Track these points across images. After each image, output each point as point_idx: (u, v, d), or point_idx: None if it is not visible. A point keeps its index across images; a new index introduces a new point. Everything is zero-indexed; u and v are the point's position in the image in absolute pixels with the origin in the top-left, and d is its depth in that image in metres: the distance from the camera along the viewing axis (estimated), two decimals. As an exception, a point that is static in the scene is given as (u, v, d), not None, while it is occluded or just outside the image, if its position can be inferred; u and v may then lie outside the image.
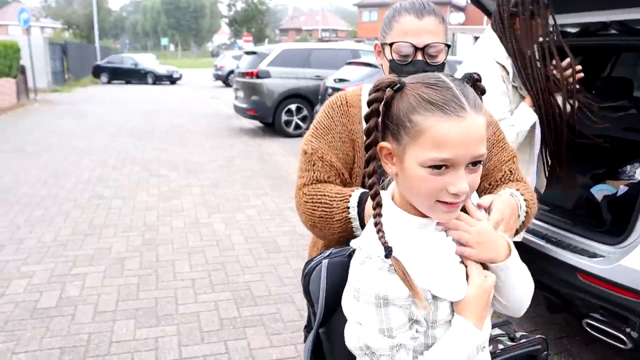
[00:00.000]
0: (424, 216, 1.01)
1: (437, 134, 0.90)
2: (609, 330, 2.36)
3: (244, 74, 10.86)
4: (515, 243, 2.47)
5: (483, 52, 2.36)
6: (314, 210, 1.43)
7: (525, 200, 1.44)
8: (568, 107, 2.37)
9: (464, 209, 1.08)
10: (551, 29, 2.34)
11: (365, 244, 1.03)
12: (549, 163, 2.55)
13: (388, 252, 0.95)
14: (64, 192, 6.21)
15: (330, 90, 8.54)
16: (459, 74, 0.97)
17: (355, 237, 1.20)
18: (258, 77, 10.45)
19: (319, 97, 9.44)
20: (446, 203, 0.95)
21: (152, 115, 13.79)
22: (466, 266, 1.06)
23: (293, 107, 10.62)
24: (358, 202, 1.37)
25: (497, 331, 1.43)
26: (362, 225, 1.36)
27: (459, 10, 41.50)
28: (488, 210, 1.23)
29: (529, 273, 1.16)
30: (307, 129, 1.60)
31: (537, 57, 2.28)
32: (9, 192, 6.13)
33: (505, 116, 2.26)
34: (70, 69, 25.83)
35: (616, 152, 3.65)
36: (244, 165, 7.93)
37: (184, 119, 13.19)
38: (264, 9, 52.42)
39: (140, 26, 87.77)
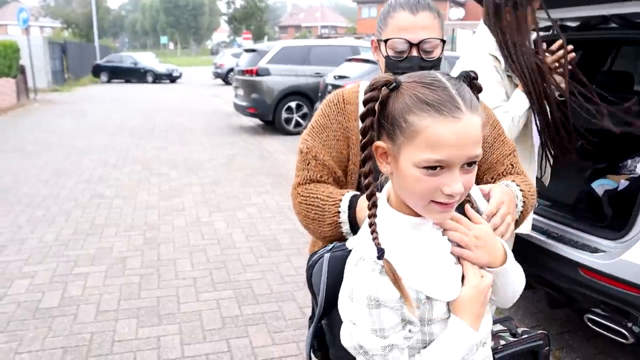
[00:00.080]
0: (419, 216, 1.01)
1: (433, 135, 0.89)
2: (611, 325, 2.36)
3: (243, 72, 10.86)
4: (517, 238, 2.49)
5: (476, 45, 2.39)
6: (307, 212, 1.46)
7: (521, 190, 1.46)
8: (561, 91, 2.37)
9: (463, 212, 1.09)
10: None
11: (359, 245, 1.04)
12: (552, 153, 2.54)
13: (380, 254, 0.95)
14: (65, 191, 6.22)
15: (330, 87, 8.52)
16: (456, 70, 0.98)
17: (346, 239, 1.21)
18: (258, 74, 10.44)
19: (319, 94, 9.43)
20: (440, 203, 0.95)
21: (152, 114, 13.79)
22: (462, 266, 1.06)
23: (293, 104, 10.61)
24: (349, 206, 1.38)
25: (499, 327, 1.43)
26: (353, 229, 1.37)
27: (458, 6, 41.39)
28: (487, 197, 1.24)
29: (522, 273, 1.17)
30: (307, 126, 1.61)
31: (526, 45, 2.29)
32: (9, 192, 6.13)
33: (500, 104, 2.28)
34: (69, 69, 25.82)
35: (617, 147, 3.64)
36: (245, 163, 7.92)
37: (184, 118, 13.19)
38: (263, 6, 52.36)
39: (140, 25, 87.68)
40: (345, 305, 1.02)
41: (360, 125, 0.99)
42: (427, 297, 0.99)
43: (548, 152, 2.49)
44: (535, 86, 2.23)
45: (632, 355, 2.86)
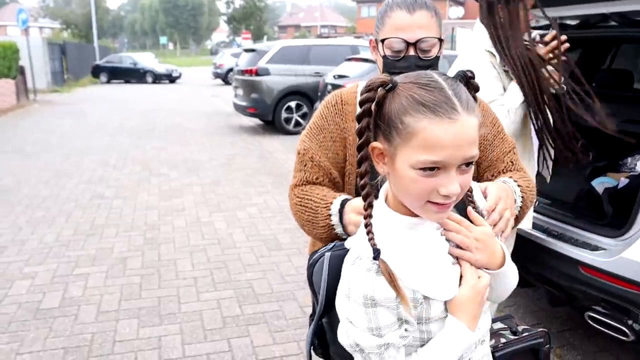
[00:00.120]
0: (416, 216, 1.01)
1: (429, 136, 0.89)
2: (611, 322, 2.36)
3: (243, 72, 10.85)
4: (517, 236, 2.49)
5: (473, 42, 2.43)
6: (302, 213, 1.47)
7: (519, 186, 1.46)
8: (554, 82, 2.39)
9: (464, 213, 1.09)
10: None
11: (356, 244, 1.05)
12: (549, 152, 2.54)
13: (376, 254, 0.96)
14: (65, 192, 6.22)
15: (329, 87, 8.52)
16: (455, 68, 0.98)
17: (343, 239, 1.22)
18: (257, 74, 10.44)
19: (319, 93, 9.42)
20: (437, 204, 0.95)
21: (152, 114, 13.79)
22: (461, 266, 1.06)
23: (293, 104, 10.60)
24: (340, 209, 1.39)
25: (499, 325, 1.43)
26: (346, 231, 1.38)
27: (458, 5, 41.39)
28: (484, 194, 1.25)
29: (516, 271, 1.18)
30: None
31: (518, 39, 2.31)
32: (10, 193, 6.13)
33: (497, 98, 2.31)
34: (69, 69, 25.82)
35: (617, 145, 3.64)
36: (245, 163, 7.93)
37: (183, 118, 13.19)
38: (262, 6, 52.32)
39: (139, 25, 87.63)
40: (342, 303, 1.03)
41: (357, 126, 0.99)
42: (425, 297, 1.00)
43: (546, 151, 2.49)
44: (528, 79, 2.26)
45: (632, 352, 2.86)
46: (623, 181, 3.06)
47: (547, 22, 3.62)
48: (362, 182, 1.00)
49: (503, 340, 1.36)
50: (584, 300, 2.56)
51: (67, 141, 9.72)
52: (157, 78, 27.41)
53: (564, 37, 2.32)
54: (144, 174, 7.21)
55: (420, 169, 0.91)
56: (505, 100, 2.29)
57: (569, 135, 2.41)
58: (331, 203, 1.40)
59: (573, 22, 3.47)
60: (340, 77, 8.60)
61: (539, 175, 2.59)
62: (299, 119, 10.63)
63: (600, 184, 3.14)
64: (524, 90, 2.27)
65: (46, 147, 9.10)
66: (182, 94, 20.90)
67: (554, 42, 2.31)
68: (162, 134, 10.67)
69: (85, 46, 33.64)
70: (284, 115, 10.62)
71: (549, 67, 2.33)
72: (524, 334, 1.39)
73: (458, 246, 1.06)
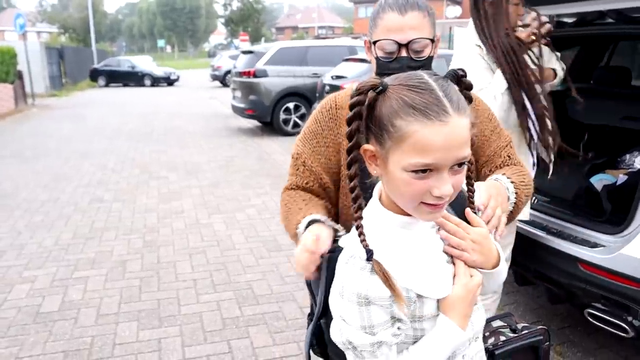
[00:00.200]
0: (410, 215, 1.01)
1: (420, 139, 0.89)
2: (611, 319, 2.36)
3: (241, 74, 10.85)
4: (517, 234, 2.50)
5: (465, 38, 2.52)
6: (282, 218, 1.52)
7: (512, 182, 1.47)
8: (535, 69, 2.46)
9: (463, 217, 1.10)
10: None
11: (350, 243, 1.05)
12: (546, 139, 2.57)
13: (369, 255, 0.96)
14: (64, 196, 6.21)
15: (327, 88, 8.52)
16: (452, 67, 0.98)
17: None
18: (255, 76, 10.44)
19: (317, 94, 9.43)
20: (430, 204, 0.95)
21: (150, 118, 13.79)
22: (454, 265, 1.07)
23: (291, 105, 10.60)
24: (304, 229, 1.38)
25: (499, 323, 1.43)
26: None
27: (455, 4, 41.40)
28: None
29: (507, 269, 1.20)
30: None
31: (501, 30, 2.39)
32: (9, 198, 6.13)
33: (486, 86, 2.40)
34: (67, 73, 25.78)
35: (615, 141, 3.64)
36: (243, 165, 7.92)
37: (182, 120, 13.19)
38: (259, 7, 52.35)
39: (137, 28, 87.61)
40: (335, 301, 1.03)
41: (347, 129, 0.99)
42: (418, 295, 1.00)
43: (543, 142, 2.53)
44: (510, 65, 2.34)
45: (632, 348, 2.86)
46: (622, 178, 3.06)
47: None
48: (352, 184, 1.01)
49: (503, 338, 1.36)
50: (583, 297, 2.56)
51: (66, 145, 9.72)
52: (155, 81, 27.40)
53: (544, 19, 2.38)
54: (142, 177, 7.20)
55: (413, 171, 0.91)
56: (490, 86, 2.37)
57: (552, 125, 2.47)
58: (299, 222, 1.40)
59: (570, 20, 3.48)
60: (338, 77, 8.60)
61: (540, 167, 2.62)
62: (297, 120, 10.62)
63: (599, 181, 3.13)
64: (506, 76, 2.34)
65: (45, 151, 9.09)
66: (180, 96, 20.91)
67: (535, 24, 2.39)
68: (160, 137, 10.66)
69: (83, 50, 33.63)
70: (282, 116, 10.62)
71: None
72: (523, 332, 1.38)
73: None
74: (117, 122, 12.87)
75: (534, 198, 3.05)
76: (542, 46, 2.69)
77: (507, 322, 1.44)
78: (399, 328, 1.00)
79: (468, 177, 1.11)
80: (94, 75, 27.44)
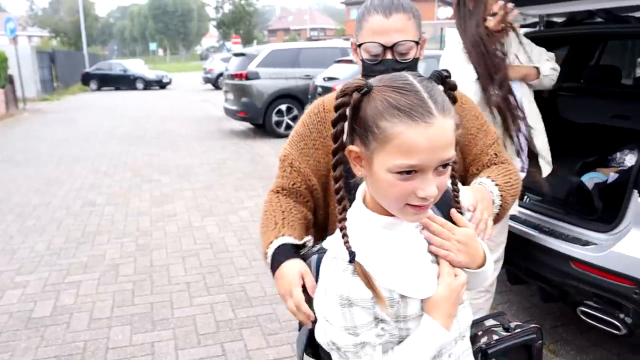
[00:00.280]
0: (394, 216, 1.01)
1: (405, 141, 0.89)
2: (603, 317, 2.37)
3: (233, 76, 10.83)
4: (509, 233, 2.51)
5: (452, 37, 2.61)
6: (260, 227, 1.51)
7: (497, 185, 1.46)
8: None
9: (449, 218, 1.10)
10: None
11: (333, 245, 1.05)
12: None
13: (352, 257, 0.96)
14: (56, 200, 6.18)
15: (319, 89, 8.52)
16: (442, 66, 0.98)
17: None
18: (247, 78, 10.43)
19: (309, 96, 9.42)
20: (415, 206, 0.95)
21: (143, 121, 13.74)
22: (439, 264, 1.07)
23: (283, 107, 10.60)
24: (273, 255, 1.36)
25: (492, 322, 1.43)
26: (273, 269, 1.35)
27: (446, 5, 41.52)
28: None
29: (492, 267, 1.19)
30: None
31: (472, 24, 2.49)
32: (0, 202, 6.09)
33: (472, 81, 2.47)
34: (58, 77, 25.67)
35: (606, 140, 3.66)
36: (236, 167, 7.91)
37: (174, 123, 13.15)
38: (251, 10, 52.36)
39: (128, 32, 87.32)
40: (319, 302, 1.03)
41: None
42: (401, 295, 1.00)
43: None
44: (478, 55, 2.43)
45: (625, 346, 2.88)
46: (612, 176, 3.07)
47: (534, 20, 3.65)
48: (337, 186, 1.01)
49: (496, 337, 1.36)
50: (576, 295, 2.57)
51: (58, 149, 9.67)
52: (148, 84, 27.33)
53: (510, 5, 2.44)
54: (135, 180, 7.17)
55: (398, 172, 0.91)
56: (461, 75, 2.42)
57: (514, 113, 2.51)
58: (271, 242, 1.38)
59: (560, 20, 3.50)
60: (330, 79, 8.60)
61: (535, 165, 2.65)
62: (289, 122, 10.61)
63: (590, 179, 3.15)
64: (475, 67, 2.41)
65: (36, 156, 9.04)
66: (172, 99, 20.85)
67: (501, 12, 2.46)
68: (153, 140, 10.63)
69: (75, 54, 33.50)
70: (274, 118, 10.61)
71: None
72: (516, 330, 1.38)
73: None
74: (109, 126, 12.82)
75: (526, 197, 3.06)
76: (535, 46, 2.72)
77: (500, 321, 1.44)
78: (382, 329, 1.00)
79: (452, 177, 1.11)
80: (86, 79, 27.34)
